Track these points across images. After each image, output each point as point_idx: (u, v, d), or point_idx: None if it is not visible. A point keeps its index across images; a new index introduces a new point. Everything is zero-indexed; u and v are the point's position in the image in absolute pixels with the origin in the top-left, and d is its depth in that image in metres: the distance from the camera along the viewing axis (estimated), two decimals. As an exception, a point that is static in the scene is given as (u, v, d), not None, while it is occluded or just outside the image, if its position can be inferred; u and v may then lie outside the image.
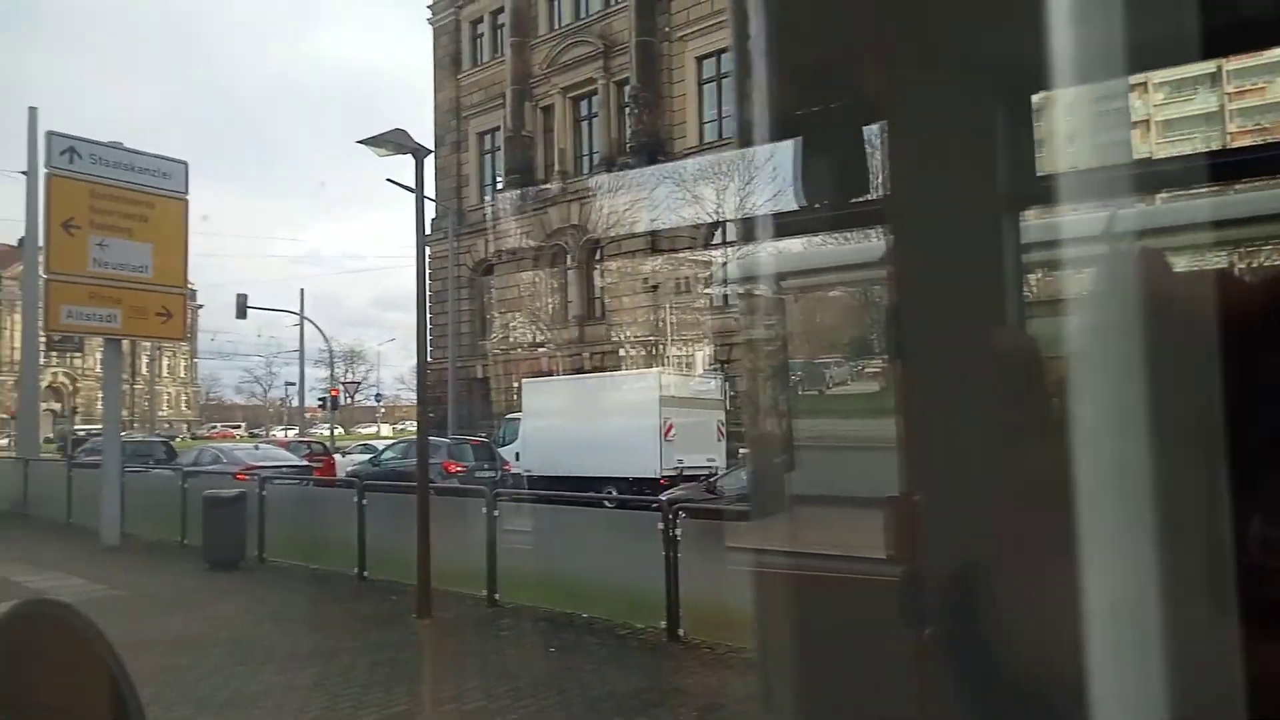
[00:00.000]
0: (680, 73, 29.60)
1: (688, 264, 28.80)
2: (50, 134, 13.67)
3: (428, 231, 9.44)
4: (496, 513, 9.08)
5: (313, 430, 49.09)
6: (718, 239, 28.64)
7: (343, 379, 55.88)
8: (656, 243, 28.93)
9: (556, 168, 32.55)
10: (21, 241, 25.00)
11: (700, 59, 29.37)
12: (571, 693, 6.15)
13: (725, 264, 28.24)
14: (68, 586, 10.37)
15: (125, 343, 15.75)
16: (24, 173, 21.33)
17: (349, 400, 51.83)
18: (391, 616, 8.66)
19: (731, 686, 6.29)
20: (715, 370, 25.19)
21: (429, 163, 9.82)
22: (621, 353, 29.11)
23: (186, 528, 13.22)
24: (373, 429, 65.28)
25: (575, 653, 7.24)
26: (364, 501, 10.66)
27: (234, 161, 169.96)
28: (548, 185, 32.26)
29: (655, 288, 28.75)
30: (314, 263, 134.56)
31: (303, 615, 8.80)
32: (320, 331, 77.54)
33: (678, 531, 7.59)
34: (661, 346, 28.76)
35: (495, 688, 6.28)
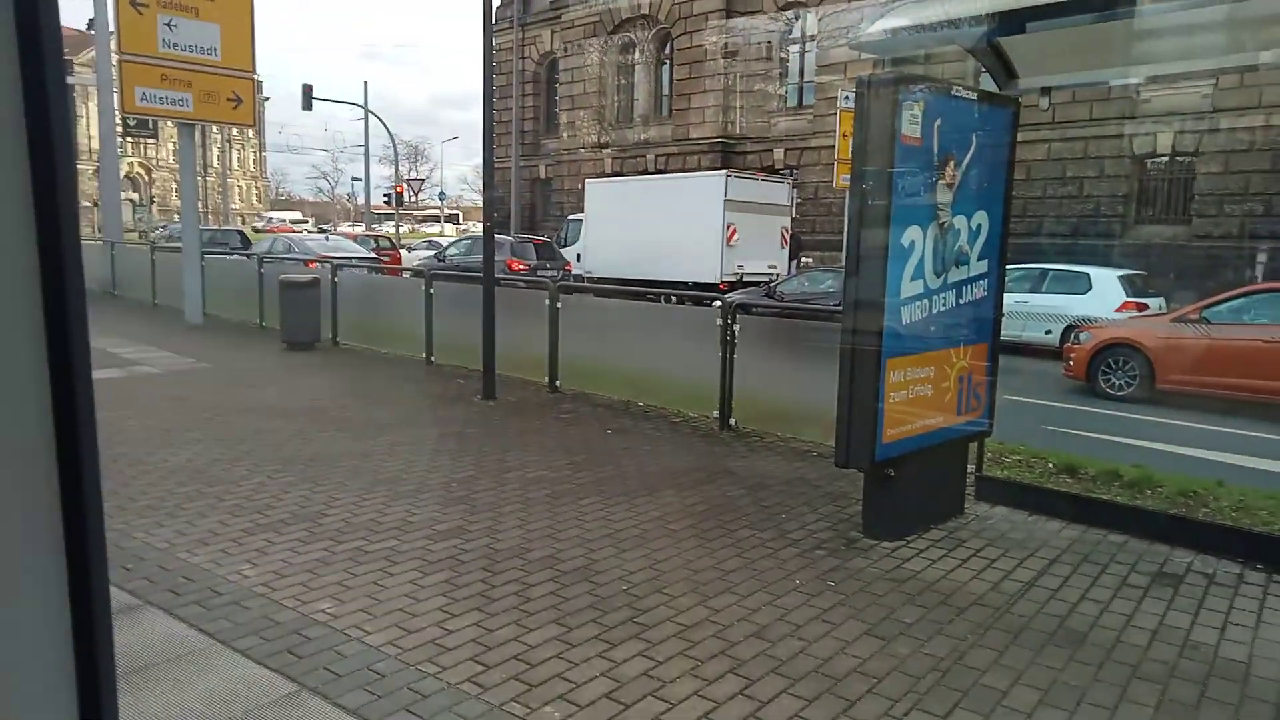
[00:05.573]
0: None
1: (760, 60, 27.39)
2: (110, -96, 13.17)
3: (492, 21, 8.92)
4: (559, 304, 9.31)
5: (376, 226, 49.79)
6: (796, 34, 27.03)
7: (407, 176, 55.97)
8: (729, 44, 27.45)
9: (626, -47, 30.61)
10: (91, 24, 24.76)
11: None
12: (627, 468, 6.52)
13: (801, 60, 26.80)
14: (159, 358, 11.11)
15: (197, 133, 15.88)
16: (85, -52, 20.83)
17: (413, 198, 52.16)
18: (458, 397, 9.14)
19: (778, 469, 6.60)
20: (784, 174, 24.48)
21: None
22: (688, 154, 28.41)
23: (264, 311, 13.88)
24: (435, 227, 65.87)
25: (631, 435, 7.62)
26: (431, 290, 10.99)
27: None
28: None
29: (727, 85, 27.58)
30: (371, 56, 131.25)
31: (376, 392, 9.32)
32: (385, 126, 76.76)
33: (736, 328, 7.73)
34: (729, 148, 27.94)
35: (555, 460, 6.69)
